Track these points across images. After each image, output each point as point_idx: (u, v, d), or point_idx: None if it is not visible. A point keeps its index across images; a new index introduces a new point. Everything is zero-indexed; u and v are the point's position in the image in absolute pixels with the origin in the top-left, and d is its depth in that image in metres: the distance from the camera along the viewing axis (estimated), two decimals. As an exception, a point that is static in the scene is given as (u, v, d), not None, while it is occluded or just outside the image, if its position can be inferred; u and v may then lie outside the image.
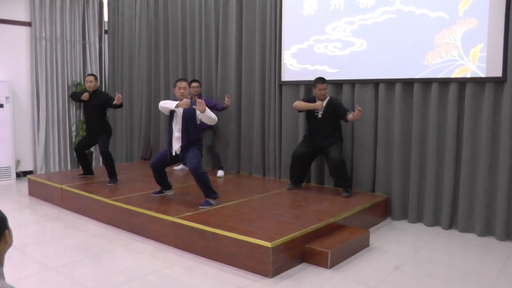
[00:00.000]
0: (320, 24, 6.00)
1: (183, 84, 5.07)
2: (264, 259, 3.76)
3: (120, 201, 5.19)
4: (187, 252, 4.33)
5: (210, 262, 4.09)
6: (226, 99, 6.63)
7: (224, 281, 3.72)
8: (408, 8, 5.27)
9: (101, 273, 3.94)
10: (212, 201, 4.96)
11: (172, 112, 5.10)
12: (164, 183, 5.42)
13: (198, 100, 4.77)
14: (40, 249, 4.57)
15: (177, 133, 5.05)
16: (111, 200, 5.26)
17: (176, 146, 5.07)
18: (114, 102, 6.01)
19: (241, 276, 3.80)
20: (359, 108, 5.14)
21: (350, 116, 5.32)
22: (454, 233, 5.04)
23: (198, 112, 4.97)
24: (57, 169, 8.55)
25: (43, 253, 4.44)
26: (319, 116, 5.52)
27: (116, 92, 6.38)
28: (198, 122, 5.07)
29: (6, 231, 1.81)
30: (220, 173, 6.77)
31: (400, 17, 5.34)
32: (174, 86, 5.14)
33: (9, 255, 4.33)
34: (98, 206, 5.41)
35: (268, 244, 3.73)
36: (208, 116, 4.92)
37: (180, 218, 4.49)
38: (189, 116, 5.00)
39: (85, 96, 6.26)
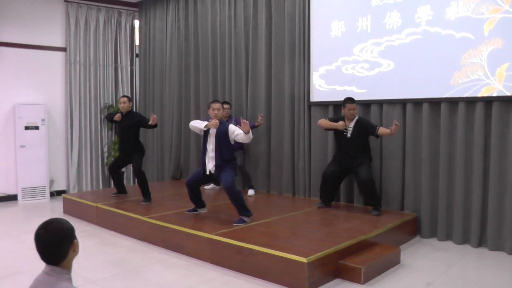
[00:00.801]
0: (348, 46, 6.17)
1: (216, 105, 5.27)
2: (299, 274, 3.87)
3: (155, 219, 5.36)
4: (222, 268, 4.47)
5: (246, 277, 4.22)
6: (260, 118, 6.78)
7: (261, 295, 3.84)
8: (433, 29, 5.40)
9: (141, 286, 4.09)
10: (246, 219, 5.11)
11: (206, 132, 5.30)
12: (198, 201, 5.59)
13: (243, 121, 4.91)
14: (79, 263, 4.72)
15: (211, 153, 5.24)
16: (147, 217, 5.44)
17: (210, 165, 5.25)
18: (150, 123, 6.23)
19: (277, 291, 3.91)
20: (396, 123, 5.23)
21: (383, 130, 5.41)
22: (483, 251, 5.06)
23: (231, 131, 5.15)
24: (89, 189, 8.81)
25: (82, 267, 4.60)
26: (348, 135, 5.64)
27: (152, 113, 6.62)
28: (232, 142, 5.24)
29: (75, 240, 2.02)
30: (251, 192, 6.90)
31: (426, 38, 5.47)
32: (208, 107, 5.35)
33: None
34: (133, 223, 5.59)
35: (303, 259, 3.85)
36: (248, 136, 5.03)
37: (216, 234, 4.64)
38: (222, 135, 5.19)
39: (118, 117, 6.49)
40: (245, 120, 4.92)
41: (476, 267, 4.59)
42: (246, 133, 4.95)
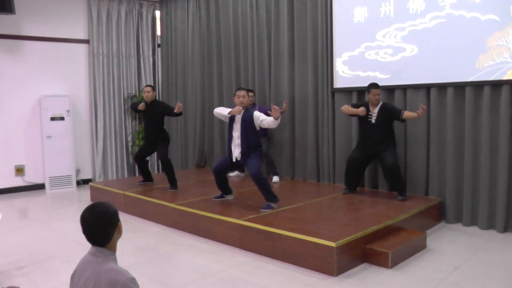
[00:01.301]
0: (371, 31, 6.17)
1: (242, 92, 5.35)
2: (328, 258, 3.95)
3: (183, 206, 5.48)
4: (252, 253, 4.57)
5: (276, 262, 4.32)
6: (284, 105, 6.81)
7: (292, 279, 3.93)
8: (458, 12, 5.36)
9: (173, 271, 4.22)
10: (273, 205, 5.20)
11: (231, 119, 5.39)
12: (225, 188, 5.70)
13: (274, 107, 4.96)
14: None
15: (237, 140, 5.33)
16: (175, 204, 5.56)
17: (237, 152, 5.34)
18: (175, 111, 6.33)
19: (307, 274, 4.00)
20: (424, 106, 5.24)
21: (408, 114, 5.43)
22: (509, 236, 5.06)
23: (256, 117, 5.22)
24: (114, 177, 8.99)
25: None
26: (373, 121, 5.67)
27: (177, 102, 6.72)
28: (257, 128, 5.31)
29: (119, 223, 2.12)
30: (276, 178, 6.98)
31: (450, 22, 5.44)
32: (234, 94, 5.43)
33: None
34: (162, 210, 5.72)
35: (332, 244, 3.93)
36: (276, 122, 5.06)
37: (245, 220, 4.74)
38: (248, 122, 5.27)
39: (142, 106, 6.61)
40: (276, 106, 4.96)
41: (502, 252, 4.61)
42: (276, 119, 4.98)
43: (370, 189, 6.35)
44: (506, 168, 5.13)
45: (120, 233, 2.14)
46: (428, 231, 5.11)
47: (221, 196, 5.75)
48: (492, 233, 5.19)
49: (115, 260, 2.10)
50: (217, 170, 5.49)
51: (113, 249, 2.12)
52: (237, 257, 4.51)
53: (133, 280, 1.96)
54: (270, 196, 5.19)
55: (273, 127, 5.22)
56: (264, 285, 3.84)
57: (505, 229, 5.17)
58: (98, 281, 1.96)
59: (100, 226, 2.04)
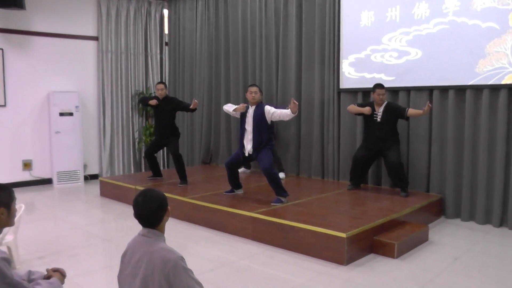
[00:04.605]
0: (377, 35, 6.44)
1: (254, 89, 5.61)
2: (339, 248, 4.22)
3: (196, 200, 5.72)
4: (265, 244, 4.83)
5: (288, 252, 4.58)
6: (292, 102, 7.00)
7: (304, 267, 4.19)
8: (460, 19, 5.65)
9: (190, 260, 4.38)
10: (283, 199, 5.45)
11: (243, 115, 5.65)
12: (236, 183, 5.95)
13: (294, 102, 5.14)
14: (127, 240, 5.12)
15: (249, 135, 5.58)
16: (188, 198, 5.80)
17: (249, 146, 5.59)
18: (191, 107, 6.54)
19: (319, 264, 4.27)
20: (429, 104, 5.53)
21: (412, 111, 5.72)
22: (504, 230, 5.38)
23: (267, 111, 5.45)
24: (121, 173, 9.17)
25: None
26: (378, 120, 5.94)
27: (194, 99, 6.90)
28: (269, 122, 5.55)
29: (168, 207, 2.34)
30: (281, 175, 7.21)
31: (453, 28, 5.73)
32: (246, 91, 5.70)
33: (103, 246, 4.93)
34: (174, 204, 5.89)
35: (343, 234, 4.19)
36: (290, 115, 5.26)
37: (257, 213, 4.99)
38: (260, 117, 5.52)
39: (153, 102, 6.80)
40: (296, 102, 5.15)
41: (498, 244, 4.93)
42: (294, 113, 5.19)
43: (373, 186, 6.64)
44: (502, 167, 5.43)
45: (168, 216, 2.36)
46: (429, 225, 5.39)
47: (231, 191, 6.00)
48: (489, 227, 5.49)
49: (164, 240, 2.32)
50: (230, 164, 5.73)
51: (163, 231, 2.33)
52: (251, 248, 4.76)
53: (182, 259, 2.18)
54: (280, 190, 5.45)
55: (285, 119, 5.45)
56: (278, 273, 4.09)
57: (500, 224, 5.48)
58: (152, 259, 2.16)
59: (152, 209, 2.25)
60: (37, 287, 2.24)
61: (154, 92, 7.92)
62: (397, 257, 4.41)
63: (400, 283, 3.84)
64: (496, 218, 5.47)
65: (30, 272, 2.40)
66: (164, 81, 9.85)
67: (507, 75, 5.33)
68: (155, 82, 9.35)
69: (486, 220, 5.59)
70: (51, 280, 2.35)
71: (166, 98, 6.91)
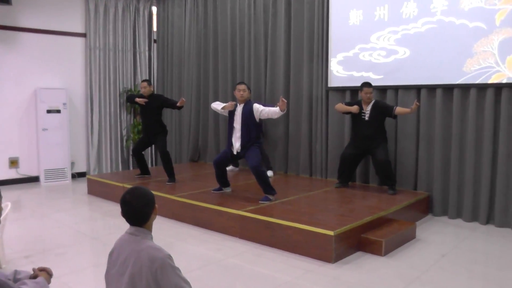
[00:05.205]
0: (365, 34, 6.45)
1: (242, 86, 5.61)
2: (327, 246, 4.22)
3: (184, 198, 5.69)
4: (252, 242, 4.82)
5: (276, 250, 4.57)
6: (281, 100, 7.00)
7: (292, 265, 4.19)
8: (448, 18, 5.68)
9: (177, 258, 4.36)
10: (271, 197, 5.45)
11: (231, 113, 5.64)
12: (224, 181, 5.93)
13: (283, 100, 5.15)
14: (115, 239, 5.09)
15: (237, 133, 5.57)
16: (176, 196, 5.77)
17: (237, 145, 5.58)
18: (178, 104, 6.51)
19: (306, 261, 4.27)
20: (417, 103, 5.57)
21: (400, 109, 5.75)
22: (491, 227, 5.43)
23: (256, 109, 5.45)
24: (108, 171, 9.12)
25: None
26: (366, 118, 5.96)
27: (182, 98, 6.88)
28: (257, 120, 5.55)
29: (156, 205, 2.33)
30: (269, 173, 7.18)
31: (440, 27, 5.76)
32: (234, 89, 5.69)
33: (90, 244, 4.88)
34: (162, 202, 5.88)
35: (331, 232, 4.20)
36: (279, 113, 5.27)
37: (245, 211, 4.98)
38: (248, 115, 5.51)
39: (141, 101, 6.75)
40: (284, 100, 5.16)
41: (485, 241, 4.98)
42: (282, 111, 5.20)
43: (361, 184, 6.66)
44: (489, 165, 5.48)
45: (156, 214, 2.34)
46: (417, 223, 5.40)
47: (219, 189, 5.98)
48: (476, 225, 5.54)
49: (152, 238, 2.31)
50: (218, 162, 5.72)
51: (150, 229, 2.32)
52: (238, 246, 4.75)
53: (170, 257, 2.17)
54: (268, 188, 5.44)
55: (273, 117, 5.46)
56: (265, 271, 4.09)
57: (487, 221, 5.53)
58: (139, 258, 2.15)
59: (140, 207, 2.23)
60: (23, 286, 2.20)
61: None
62: (385, 254, 4.42)
63: (388, 281, 3.85)
64: (483, 216, 5.52)
65: (16, 272, 2.36)
66: (151, 78, 9.82)
67: (494, 74, 5.37)
68: (143, 80, 9.30)
69: (473, 217, 5.64)
70: (38, 279, 2.32)
71: (153, 95, 6.88)
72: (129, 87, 9.40)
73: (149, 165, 9.28)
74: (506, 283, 3.80)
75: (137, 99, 6.80)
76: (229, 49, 8.27)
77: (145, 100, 6.75)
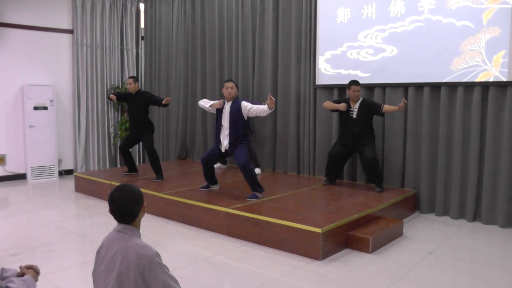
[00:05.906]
0: (353, 32, 6.46)
1: (230, 84, 5.59)
2: (314, 243, 4.23)
3: (171, 195, 5.67)
4: (240, 239, 4.82)
5: (263, 248, 4.57)
6: (269, 98, 7.01)
7: (279, 263, 4.19)
8: (435, 17, 5.72)
9: (164, 256, 4.33)
10: (258, 194, 5.45)
11: (219, 111, 5.61)
12: (211, 178, 5.92)
13: (271, 98, 5.14)
14: (102, 236, 5.06)
15: (225, 130, 5.56)
16: (164, 194, 5.75)
17: (225, 142, 5.57)
18: (163, 102, 6.50)
19: (294, 259, 4.27)
20: (405, 101, 5.59)
21: (387, 107, 5.78)
22: (478, 225, 5.48)
23: (244, 107, 5.44)
24: (96, 168, 9.07)
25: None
26: (354, 116, 5.98)
27: (167, 97, 6.84)
28: (245, 118, 5.54)
29: (144, 203, 2.31)
30: (257, 170, 7.18)
31: (428, 26, 5.79)
32: (222, 86, 5.67)
33: (78, 242, 4.84)
34: (149, 199, 5.86)
35: (318, 230, 4.21)
36: (267, 111, 5.25)
37: (233, 208, 4.97)
38: (236, 112, 5.50)
39: (112, 97, 6.81)
40: (273, 98, 5.16)
41: (472, 238, 5.01)
42: (271, 109, 5.19)
43: (349, 181, 6.68)
44: (476, 162, 5.52)
45: (144, 212, 2.32)
46: (404, 220, 5.45)
47: (207, 187, 5.97)
48: (462, 222, 5.59)
49: (140, 236, 2.29)
50: (206, 160, 5.70)
51: (138, 227, 2.30)
52: (226, 244, 4.74)
53: (157, 255, 2.16)
54: (256, 186, 5.44)
55: (262, 115, 5.44)
56: (253, 268, 4.08)
57: (474, 219, 5.58)
58: (127, 255, 2.13)
59: (128, 205, 2.21)
60: (10, 285, 2.18)
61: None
62: (372, 251, 4.44)
63: (375, 278, 3.87)
64: (470, 213, 5.57)
65: (3, 270, 2.34)
66: (139, 75, 9.78)
67: (481, 73, 5.41)
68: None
69: (460, 214, 5.69)
70: (25, 277, 2.29)
71: (138, 93, 6.85)
72: (117, 84, 9.34)
73: (137, 163, 9.30)
74: (492, 280, 3.83)
75: (111, 95, 6.81)
76: (217, 46, 8.25)
77: (114, 96, 6.78)
